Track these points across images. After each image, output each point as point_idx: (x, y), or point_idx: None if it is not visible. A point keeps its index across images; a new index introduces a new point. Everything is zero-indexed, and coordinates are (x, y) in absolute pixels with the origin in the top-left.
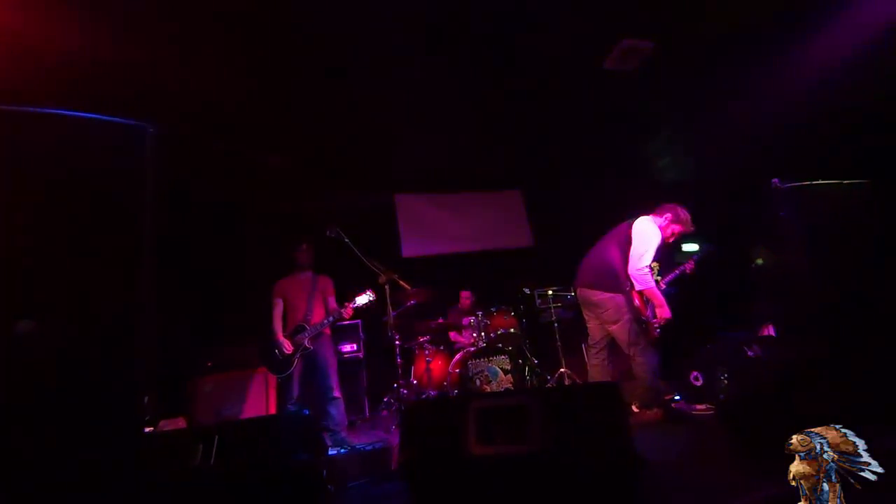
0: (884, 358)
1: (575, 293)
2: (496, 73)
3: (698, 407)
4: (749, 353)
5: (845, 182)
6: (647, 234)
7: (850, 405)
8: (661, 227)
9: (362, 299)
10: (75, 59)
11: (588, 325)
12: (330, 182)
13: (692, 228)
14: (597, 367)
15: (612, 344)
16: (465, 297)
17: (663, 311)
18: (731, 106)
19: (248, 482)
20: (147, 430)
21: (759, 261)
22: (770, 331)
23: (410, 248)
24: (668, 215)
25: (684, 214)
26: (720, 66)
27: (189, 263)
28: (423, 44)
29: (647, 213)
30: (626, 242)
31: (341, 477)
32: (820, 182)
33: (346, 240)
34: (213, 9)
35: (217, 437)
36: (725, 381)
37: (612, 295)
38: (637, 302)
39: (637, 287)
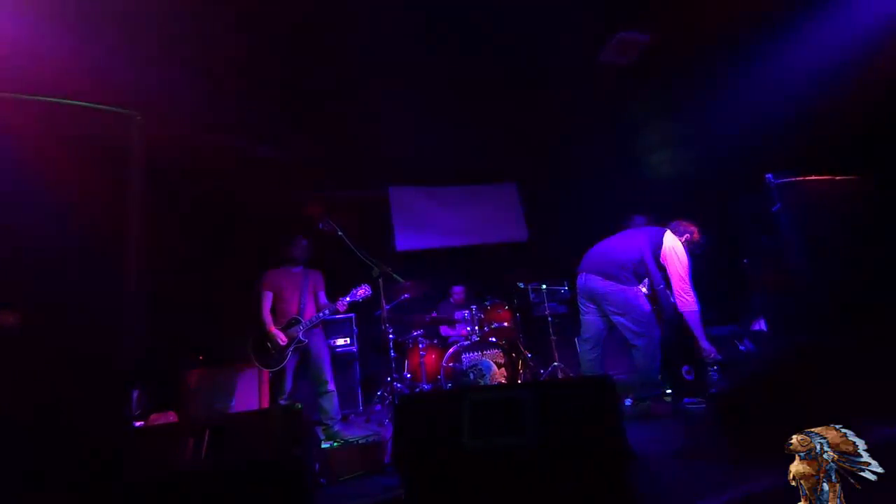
0: (877, 351)
1: (577, 279)
2: (491, 65)
3: (689, 400)
4: (741, 348)
5: (839, 177)
6: (680, 252)
7: (844, 399)
8: (683, 245)
9: (358, 293)
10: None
11: (585, 318)
12: (323, 174)
13: (699, 251)
14: (593, 363)
15: (606, 339)
16: (458, 292)
17: (704, 344)
18: (726, 101)
19: (239, 476)
20: (137, 424)
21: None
22: (761, 325)
23: (404, 241)
24: (687, 235)
25: (699, 237)
26: (717, 60)
27: (180, 256)
28: (419, 35)
29: (665, 227)
30: (656, 248)
31: (334, 470)
32: (814, 177)
33: (340, 232)
34: None
35: (208, 431)
36: (717, 375)
37: (622, 287)
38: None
39: (680, 308)
